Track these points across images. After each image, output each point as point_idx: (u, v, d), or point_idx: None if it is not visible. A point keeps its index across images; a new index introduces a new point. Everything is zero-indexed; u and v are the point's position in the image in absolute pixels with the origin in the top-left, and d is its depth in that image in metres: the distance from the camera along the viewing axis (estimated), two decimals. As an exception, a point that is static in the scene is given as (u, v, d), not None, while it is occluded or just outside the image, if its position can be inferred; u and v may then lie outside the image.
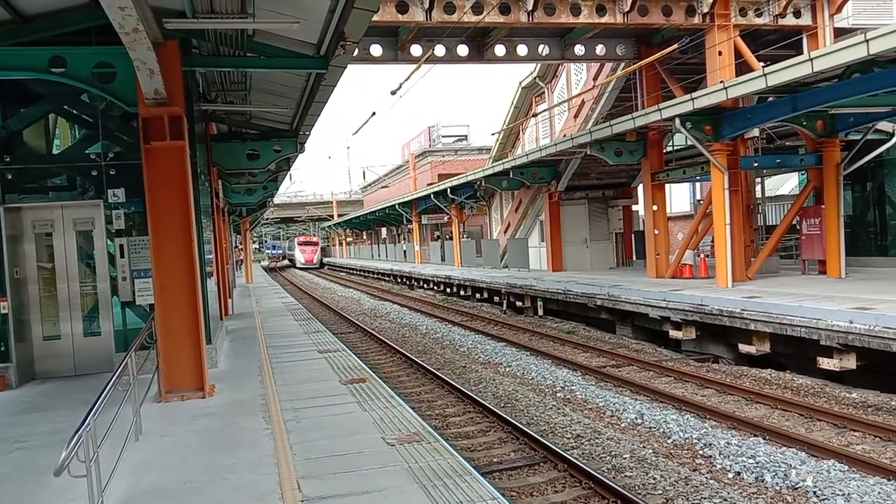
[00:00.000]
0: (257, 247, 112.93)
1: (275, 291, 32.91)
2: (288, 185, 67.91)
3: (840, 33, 20.78)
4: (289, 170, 24.58)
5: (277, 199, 62.25)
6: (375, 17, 17.24)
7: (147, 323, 9.38)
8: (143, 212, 9.29)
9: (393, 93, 19.55)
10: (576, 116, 29.70)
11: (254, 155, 15.93)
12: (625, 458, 8.63)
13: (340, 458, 6.27)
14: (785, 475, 7.78)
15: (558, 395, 12.19)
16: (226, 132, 17.71)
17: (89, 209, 11.03)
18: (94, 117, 11.15)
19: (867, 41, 11.49)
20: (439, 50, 21.15)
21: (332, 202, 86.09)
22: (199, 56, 10.28)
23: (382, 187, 72.84)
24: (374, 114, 23.03)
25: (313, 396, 8.86)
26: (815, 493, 7.31)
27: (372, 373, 10.35)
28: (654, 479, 7.93)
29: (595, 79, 27.82)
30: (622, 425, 10.24)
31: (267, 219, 78.82)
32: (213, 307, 12.68)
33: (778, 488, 7.58)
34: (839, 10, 21.14)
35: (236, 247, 46.14)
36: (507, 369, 14.57)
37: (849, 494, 7.14)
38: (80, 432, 4.62)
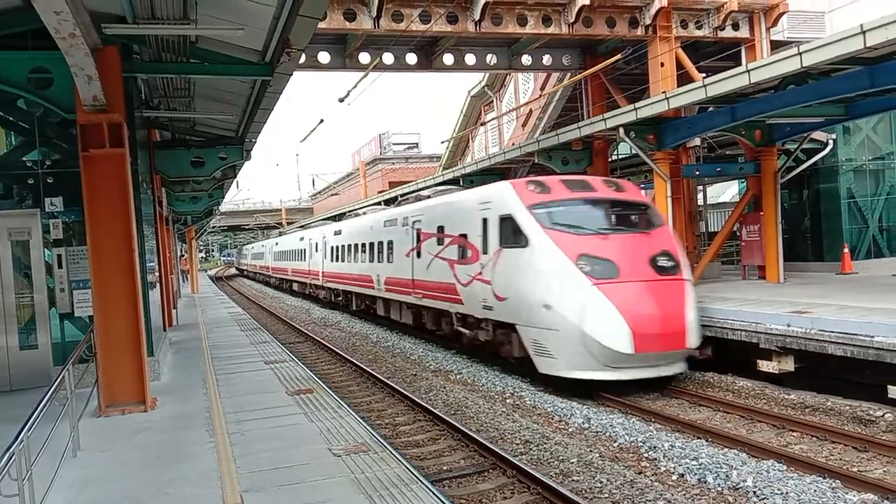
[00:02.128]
0: (204, 255, 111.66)
1: (221, 301, 32.32)
2: (235, 193, 66.75)
3: (776, 46, 21.54)
4: (235, 177, 24.24)
5: (224, 208, 61.15)
6: (323, 25, 17.21)
7: (86, 335, 9.12)
8: (83, 221, 9.04)
9: (341, 100, 19.46)
10: (524, 125, 30.06)
11: (198, 162, 15.66)
12: (572, 463, 8.73)
13: (285, 470, 6.20)
14: (727, 476, 7.98)
15: (508, 401, 12.27)
16: (169, 139, 17.36)
17: (25, 218, 10.67)
18: (31, 124, 10.81)
19: (800, 54, 11.92)
20: (387, 58, 21.18)
21: (280, 210, 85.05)
22: (140, 62, 10.06)
23: (332, 195, 72.31)
24: (321, 121, 22.87)
25: (259, 408, 8.74)
26: (755, 492, 7.51)
27: (320, 383, 10.26)
28: (601, 482, 8.04)
29: (542, 88, 28.22)
30: (570, 430, 10.36)
31: (213, 227, 77.35)
32: (155, 318, 12.39)
33: (720, 489, 7.76)
34: (775, 23, 21.93)
35: (181, 256, 45.16)
36: (458, 376, 14.59)
37: (787, 493, 7.36)
38: (12, 449, 4.47)
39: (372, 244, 22.66)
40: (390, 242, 20.67)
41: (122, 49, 8.98)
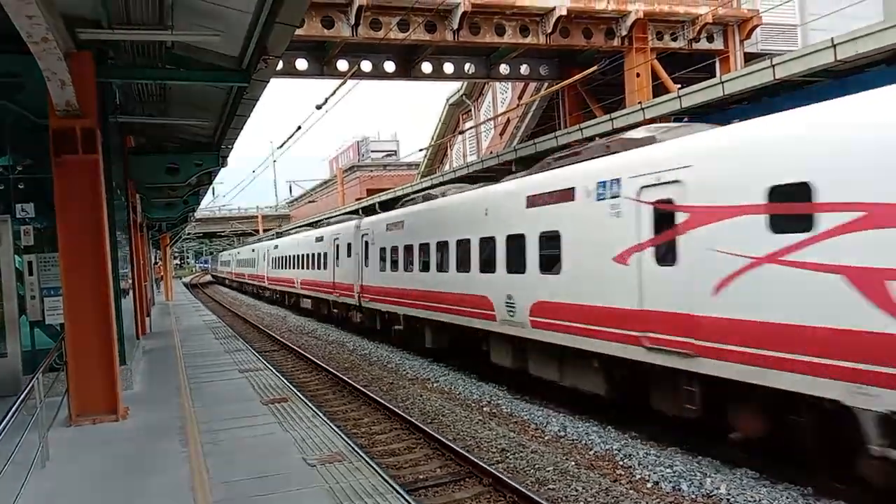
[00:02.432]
0: (179, 262, 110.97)
1: (196, 309, 32.00)
2: (211, 200, 66.30)
3: (750, 58, 21.90)
4: (211, 184, 24.05)
5: (200, 214, 60.64)
6: (301, 32, 17.20)
7: (57, 343, 8.97)
8: (54, 227, 8.90)
9: (318, 107, 19.40)
10: (501, 134, 30.21)
11: (173, 169, 15.52)
12: (548, 471, 8.74)
13: (259, 480, 6.13)
14: (700, 484, 8.04)
15: (485, 409, 12.26)
16: (144, 145, 17.19)
17: (-5, 225, 10.48)
18: (2, 129, 10.64)
19: (773, 66, 12.14)
20: (366, 66, 21.19)
21: (257, 217, 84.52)
22: (115, 67, 9.95)
23: (310, 202, 72.02)
24: (299, 128, 22.77)
25: (233, 417, 8.65)
26: (728, 500, 7.57)
27: (295, 391, 10.18)
28: (577, 490, 8.05)
29: (520, 97, 28.40)
30: (546, 438, 10.37)
31: (189, 234, 76.63)
32: (128, 326, 12.23)
33: (694, 496, 7.81)
34: (749, 36, 22.28)
35: (155, 263, 44.66)
36: (436, 385, 14.56)
37: (759, 501, 7.43)
38: (-23, 461, 4.37)
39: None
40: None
41: (97, 54, 8.88)
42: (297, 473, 6.28)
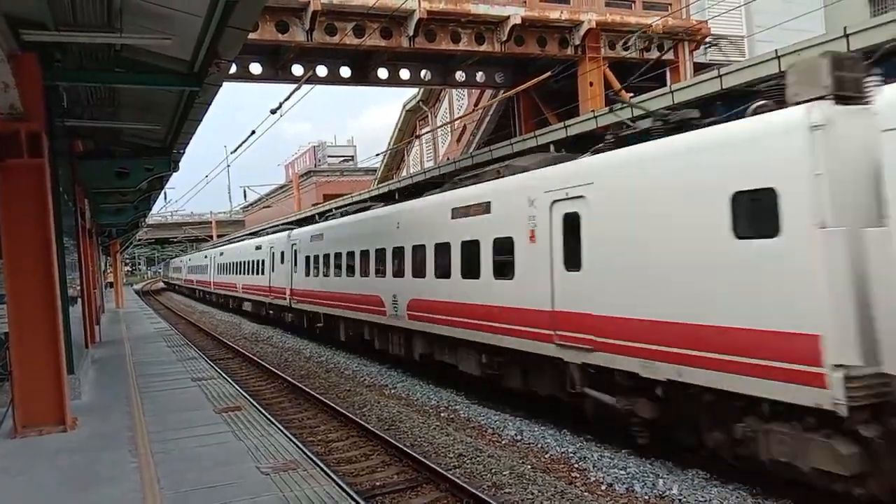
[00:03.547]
0: (130, 269, 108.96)
1: (147, 316, 31.34)
2: (163, 205, 65.05)
3: (699, 68, 22.45)
4: (162, 189, 23.65)
5: (151, 220, 59.43)
6: (255, 36, 17.04)
7: (1, 352, 8.71)
8: (-1, 233, 8.65)
9: (273, 112, 19.21)
10: (458, 140, 30.38)
11: (123, 173, 15.23)
12: (505, 475, 8.79)
13: (211, 489, 6.05)
14: (653, 485, 8.18)
15: (442, 415, 12.27)
16: (93, 149, 16.80)
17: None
18: (-59, 131, 10.30)
19: (721, 76, 12.46)
20: (321, 70, 21.09)
21: (211, 222, 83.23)
22: (62, 70, 9.72)
23: (265, 207, 71.20)
24: (253, 132, 22.52)
25: (184, 426, 8.50)
26: (680, 500, 7.72)
27: (250, 399, 10.06)
28: (533, 493, 8.12)
29: (476, 104, 28.59)
30: (503, 442, 10.43)
31: (140, 240, 75.08)
32: (76, 334, 11.93)
33: (647, 497, 7.95)
34: (698, 46, 22.84)
35: (105, 269, 43.62)
36: (393, 391, 14.52)
37: (710, 500, 7.60)
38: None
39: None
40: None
41: (43, 56, 8.67)
42: (250, 482, 6.21)
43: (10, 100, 7.79)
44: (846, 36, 10.00)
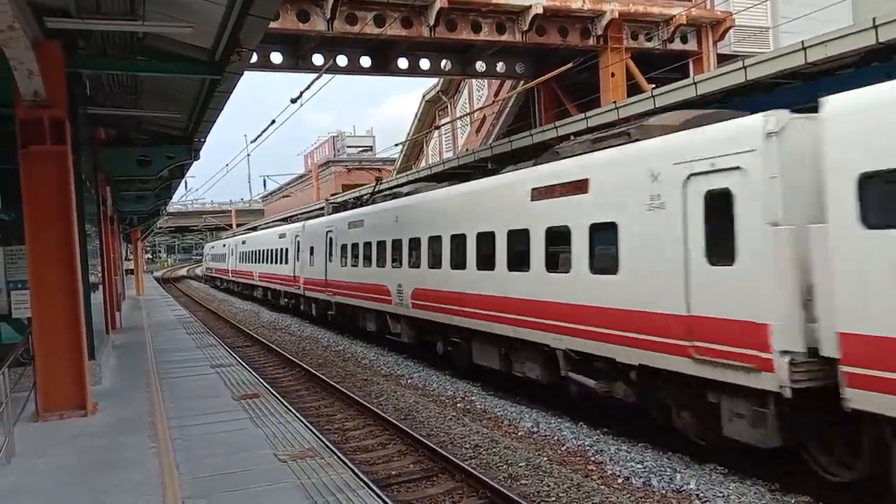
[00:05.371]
0: (150, 256, 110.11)
1: (167, 303, 31.64)
2: (183, 193, 65.59)
3: (723, 59, 22.15)
4: (183, 177, 23.80)
5: (172, 208, 59.88)
6: (275, 25, 17.04)
7: (24, 337, 8.82)
8: (23, 220, 8.73)
9: (293, 101, 19.24)
10: (477, 131, 30.25)
11: (145, 161, 15.32)
12: (521, 467, 8.78)
13: (229, 476, 6.09)
14: (670, 479, 8.13)
15: (458, 405, 12.28)
16: (115, 137, 16.93)
17: (-40, 217, 10.29)
18: (-34, 118, 10.41)
19: (745, 68, 12.25)
20: (341, 60, 21.07)
21: (230, 211, 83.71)
22: (85, 57, 9.78)
23: (284, 196, 71.50)
24: (273, 122, 22.57)
25: (203, 413, 8.57)
26: (697, 495, 7.66)
27: (267, 387, 10.12)
28: (549, 486, 8.10)
29: (496, 95, 28.45)
30: (519, 434, 10.42)
31: (160, 228, 75.78)
32: (97, 320, 12.06)
33: (664, 492, 7.90)
34: (722, 37, 22.52)
35: (126, 257, 44.07)
36: (409, 381, 14.55)
37: (728, 496, 7.53)
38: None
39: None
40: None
41: (66, 43, 8.72)
42: (267, 469, 6.25)
43: (33, 87, 7.84)
44: (875, 27, 9.78)
